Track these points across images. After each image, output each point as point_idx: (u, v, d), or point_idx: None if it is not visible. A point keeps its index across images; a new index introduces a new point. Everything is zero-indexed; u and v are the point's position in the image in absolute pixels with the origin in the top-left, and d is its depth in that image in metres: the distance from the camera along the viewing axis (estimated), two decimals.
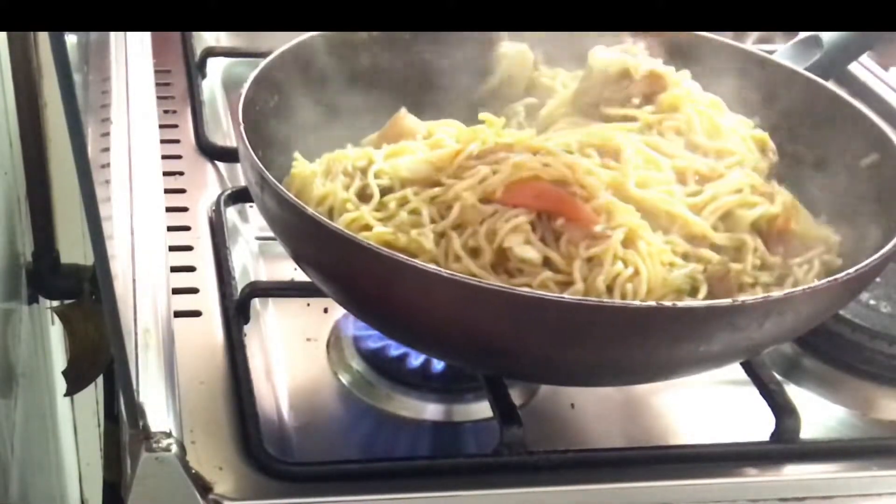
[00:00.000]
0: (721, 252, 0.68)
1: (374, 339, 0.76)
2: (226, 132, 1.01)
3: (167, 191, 0.85)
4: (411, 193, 0.68)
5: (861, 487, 0.69)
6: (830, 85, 0.80)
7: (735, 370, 0.73)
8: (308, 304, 0.80)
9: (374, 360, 0.75)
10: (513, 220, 0.65)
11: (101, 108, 0.93)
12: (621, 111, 0.74)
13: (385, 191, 0.70)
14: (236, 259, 0.82)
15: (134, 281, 0.72)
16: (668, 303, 0.63)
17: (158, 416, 0.61)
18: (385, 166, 0.71)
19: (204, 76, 1.07)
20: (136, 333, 0.67)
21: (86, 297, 1.16)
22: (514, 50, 0.83)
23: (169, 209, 0.83)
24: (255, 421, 0.67)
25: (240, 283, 0.78)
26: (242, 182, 0.85)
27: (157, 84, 0.98)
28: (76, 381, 1.12)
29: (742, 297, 0.61)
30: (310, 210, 0.62)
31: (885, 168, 0.73)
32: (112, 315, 0.56)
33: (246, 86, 0.73)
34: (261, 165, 0.65)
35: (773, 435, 0.70)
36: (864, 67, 1.12)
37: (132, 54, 0.99)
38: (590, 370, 0.65)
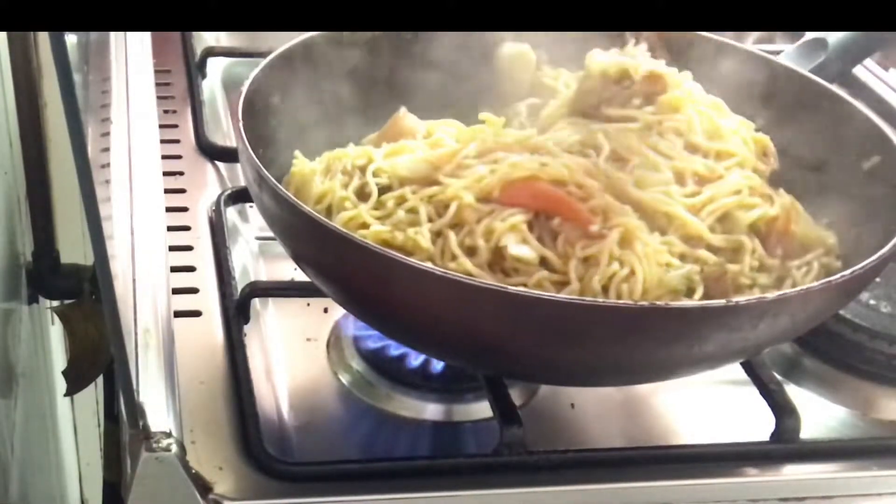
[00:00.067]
0: (719, 253, 0.68)
1: (374, 339, 0.76)
2: (226, 132, 1.01)
3: (167, 191, 0.85)
4: (409, 192, 0.68)
5: (861, 487, 0.69)
6: (832, 87, 0.80)
7: (735, 370, 0.74)
8: (308, 304, 0.80)
9: (374, 360, 0.75)
10: (509, 219, 0.66)
11: (101, 108, 0.93)
12: (621, 112, 0.74)
13: (384, 189, 0.70)
14: (236, 259, 0.82)
15: (134, 281, 0.72)
16: (660, 303, 0.63)
17: (158, 416, 0.61)
18: (384, 165, 0.71)
19: (204, 76, 1.07)
20: (136, 333, 0.67)
21: (86, 297, 1.16)
22: (515, 50, 0.83)
23: (169, 209, 0.83)
24: (255, 421, 0.67)
25: (240, 283, 0.78)
26: (242, 182, 0.85)
27: (157, 84, 0.98)
28: (76, 381, 1.12)
29: (736, 298, 0.61)
30: (306, 208, 0.62)
31: (886, 170, 0.73)
32: (112, 315, 0.56)
33: (246, 84, 0.73)
34: (259, 163, 0.65)
35: (773, 435, 0.70)
36: (864, 68, 1.12)
37: (132, 54, 0.99)
38: (584, 370, 0.65)
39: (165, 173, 0.87)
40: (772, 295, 0.61)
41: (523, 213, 0.66)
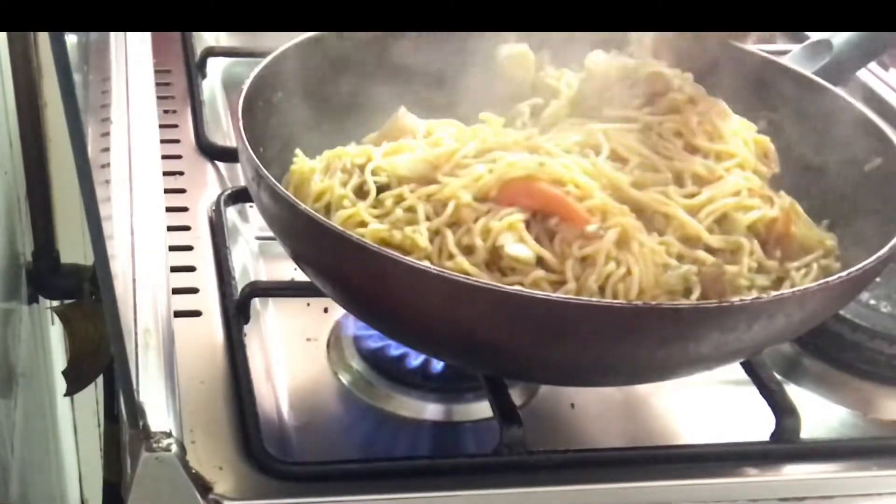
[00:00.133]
0: (717, 255, 0.68)
1: (374, 339, 0.76)
2: (226, 132, 1.01)
3: (167, 191, 0.85)
4: (407, 191, 0.68)
5: (861, 487, 0.69)
6: (835, 88, 0.80)
7: (735, 370, 0.74)
8: (308, 304, 0.80)
9: (374, 360, 0.75)
10: (507, 218, 0.66)
11: (101, 108, 0.93)
12: (622, 112, 0.74)
13: (382, 188, 0.70)
14: (236, 259, 0.82)
15: (134, 281, 0.72)
16: (654, 302, 0.63)
17: (158, 416, 0.61)
18: (383, 163, 0.71)
19: (204, 76, 1.07)
20: (136, 333, 0.67)
21: (86, 297, 1.16)
22: (515, 51, 0.83)
23: (169, 209, 0.83)
24: (255, 421, 0.67)
25: (240, 283, 0.78)
26: (242, 182, 0.85)
27: (157, 84, 0.98)
28: (76, 381, 1.12)
29: (731, 299, 0.61)
30: (304, 207, 0.63)
31: (887, 172, 0.73)
32: (112, 315, 0.56)
33: (247, 83, 0.73)
34: (258, 162, 0.65)
35: (773, 435, 0.70)
36: (864, 68, 1.12)
37: (132, 54, 0.99)
38: (580, 369, 0.65)
39: (165, 173, 0.87)
40: (767, 296, 0.61)
41: (521, 213, 0.66)
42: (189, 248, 0.84)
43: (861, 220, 0.73)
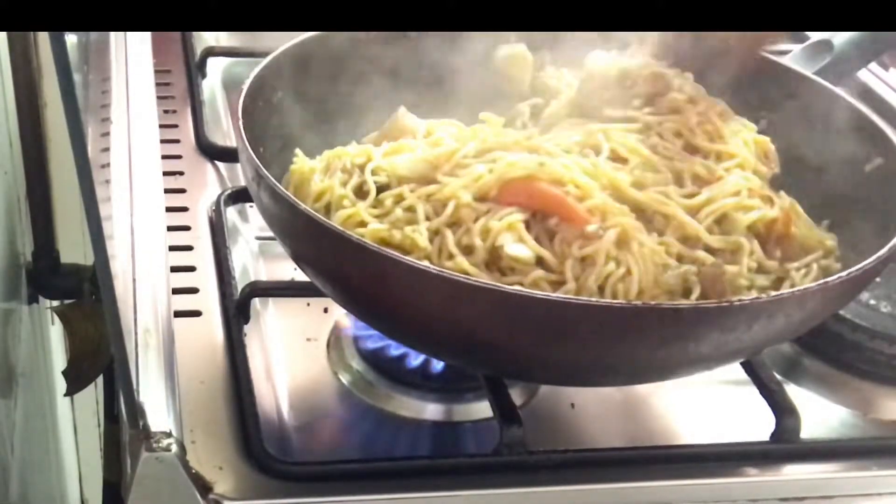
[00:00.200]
0: (717, 255, 0.68)
1: (374, 339, 0.76)
2: (226, 132, 1.01)
3: (167, 191, 0.85)
4: (407, 191, 0.68)
5: (861, 487, 0.69)
6: (836, 89, 0.80)
7: (735, 370, 0.74)
8: (308, 304, 0.80)
9: (374, 360, 0.75)
10: (506, 218, 0.66)
11: (101, 108, 0.92)
12: (622, 113, 0.74)
13: (382, 188, 0.70)
14: (236, 259, 0.82)
15: (134, 281, 0.72)
16: (653, 302, 0.63)
17: (158, 416, 0.61)
18: (383, 163, 0.71)
19: (204, 76, 1.07)
20: (136, 333, 0.67)
21: (86, 297, 1.16)
22: (512, 52, 0.83)
23: (169, 209, 0.83)
24: (255, 421, 0.67)
25: (240, 283, 0.78)
26: (242, 182, 0.85)
27: (157, 84, 0.98)
28: (76, 381, 1.12)
29: (729, 299, 0.60)
30: (304, 206, 0.63)
31: (888, 173, 0.73)
32: (112, 315, 0.56)
33: (247, 82, 0.73)
34: (257, 161, 0.65)
35: (773, 435, 0.70)
36: (864, 68, 1.12)
37: (132, 54, 0.99)
38: (580, 369, 0.65)
39: (165, 173, 0.87)
40: (766, 296, 0.61)
41: (520, 213, 0.66)
42: (189, 248, 0.84)
43: (861, 221, 0.73)
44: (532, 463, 0.66)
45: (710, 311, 0.59)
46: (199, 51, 1.08)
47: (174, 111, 1.01)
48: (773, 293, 0.63)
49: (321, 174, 0.72)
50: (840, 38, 0.88)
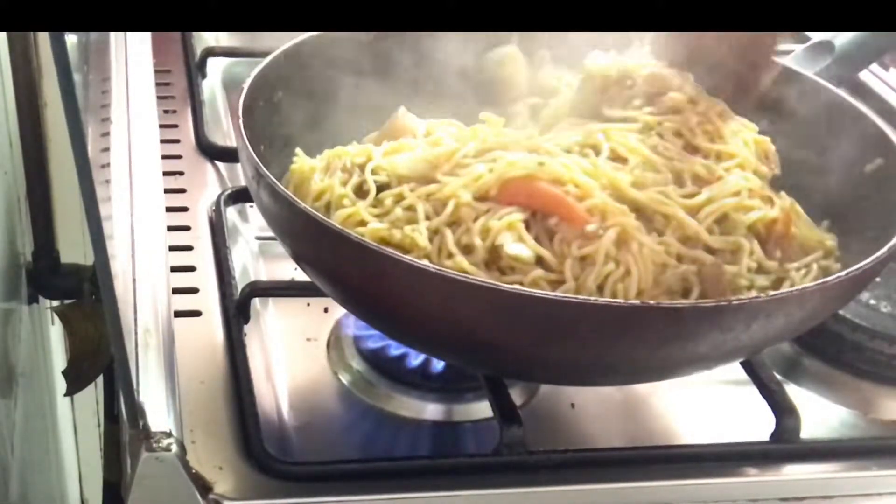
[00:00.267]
0: (717, 255, 0.68)
1: (374, 339, 0.76)
2: (226, 132, 1.01)
3: (167, 191, 0.85)
4: (407, 190, 0.68)
5: (861, 487, 0.69)
6: (837, 90, 0.80)
7: (735, 370, 0.74)
8: (308, 304, 0.80)
9: (374, 360, 0.75)
10: (506, 217, 0.66)
11: (101, 108, 0.93)
12: (622, 113, 0.74)
13: (382, 187, 0.70)
14: (236, 259, 0.82)
15: (134, 281, 0.72)
16: (651, 301, 0.63)
17: (158, 416, 0.61)
18: (383, 163, 0.71)
19: (204, 76, 1.07)
20: (136, 333, 0.67)
21: (86, 297, 1.16)
22: (500, 54, 0.83)
23: (169, 209, 0.83)
24: (255, 421, 0.67)
25: (240, 283, 0.78)
26: (242, 182, 0.85)
27: (157, 84, 0.98)
28: (76, 381, 1.12)
29: (728, 298, 0.60)
30: (303, 205, 0.63)
31: (888, 173, 0.73)
32: (112, 315, 0.56)
33: (248, 81, 0.73)
34: (257, 160, 0.65)
35: (773, 435, 0.70)
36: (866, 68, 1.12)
37: (132, 54, 0.99)
38: (579, 368, 0.65)
39: (165, 173, 0.87)
40: (765, 295, 0.61)
41: (520, 212, 0.66)
42: (189, 248, 0.84)
43: (862, 221, 0.73)
44: (532, 463, 0.66)
45: (709, 311, 0.59)
46: (199, 51, 1.08)
47: (174, 111, 1.01)
48: (772, 293, 0.63)
49: (321, 173, 0.72)
50: (841, 39, 0.88)
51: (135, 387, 0.62)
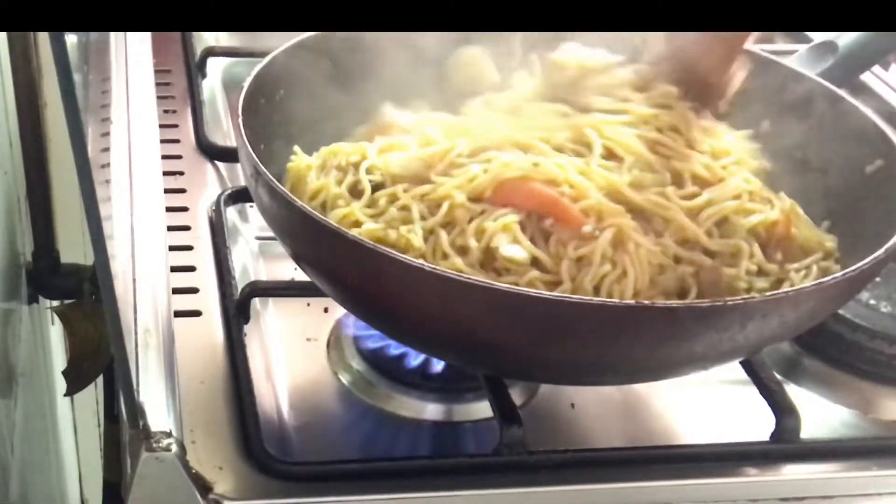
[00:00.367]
0: (716, 257, 0.68)
1: (374, 339, 0.76)
2: (226, 132, 1.01)
3: (167, 191, 0.85)
4: (401, 190, 0.68)
5: (861, 487, 0.69)
6: (837, 90, 0.80)
7: (735, 370, 0.74)
8: (308, 304, 0.80)
9: (374, 359, 0.75)
10: (501, 219, 0.65)
11: (101, 108, 0.93)
12: (610, 104, 0.73)
13: (377, 186, 0.70)
14: (236, 259, 0.82)
15: (134, 281, 0.72)
16: (647, 301, 0.63)
17: (158, 415, 0.61)
18: (378, 162, 0.71)
19: (204, 76, 1.07)
20: (136, 333, 0.67)
21: (86, 297, 1.16)
22: (466, 54, 0.82)
23: (169, 209, 0.83)
24: (255, 421, 0.67)
25: (240, 283, 0.78)
26: (242, 182, 0.85)
27: (157, 84, 0.98)
28: (76, 381, 1.12)
29: (723, 298, 0.60)
30: (300, 203, 0.63)
31: (889, 174, 0.73)
32: (112, 315, 0.56)
33: (248, 80, 0.73)
34: (256, 159, 0.65)
35: (773, 435, 0.70)
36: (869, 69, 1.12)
37: (132, 54, 0.99)
38: (576, 368, 0.65)
39: (165, 173, 0.87)
40: (760, 296, 0.61)
41: (515, 213, 0.66)
42: (189, 248, 0.84)
43: (862, 222, 0.73)
44: (532, 463, 0.66)
45: (704, 311, 0.59)
46: (199, 51, 1.08)
47: (174, 111, 1.01)
48: (768, 293, 0.63)
49: (317, 171, 0.72)
50: (844, 40, 0.88)
51: (135, 387, 0.62)
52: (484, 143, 0.70)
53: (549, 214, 0.66)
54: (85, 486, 1.59)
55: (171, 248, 0.80)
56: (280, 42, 0.78)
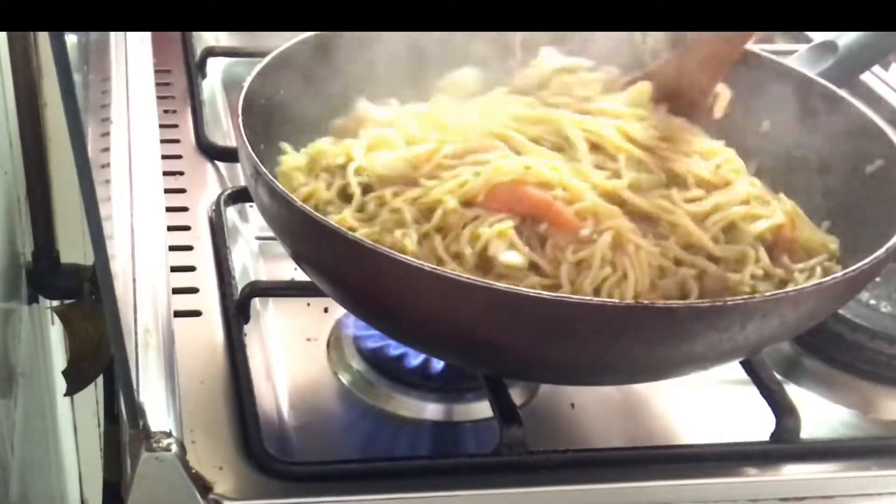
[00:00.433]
0: (721, 262, 0.67)
1: (374, 339, 0.76)
2: (226, 132, 1.01)
3: (167, 191, 0.85)
4: (390, 195, 0.68)
5: (861, 487, 0.69)
6: (837, 90, 0.80)
7: (735, 370, 0.74)
8: (308, 304, 0.80)
9: (374, 359, 0.75)
10: (496, 225, 0.65)
11: (101, 108, 0.93)
12: (597, 106, 0.73)
13: (365, 188, 0.69)
14: (236, 259, 0.82)
15: (134, 281, 0.72)
16: (647, 301, 0.63)
17: (158, 416, 0.61)
18: (364, 163, 0.70)
19: (204, 76, 1.07)
20: (136, 333, 0.67)
21: (86, 297, 1.16)
22: (452, 80, 0.81)
23: (169, 209, 0.83)
24: (255, 421, 0.67)
25: (240, 283, 0.78)
26: (242, 182, 0.85)
27: (157, 84, 0.98)
28: (76, 381, 1.12)
29: (723, 298, 0.60)
30: (299, 203, 0.62)
31: (889, 174, 0.73)
32: (112, 315, 0.56)
33: (248, 80, 0.73)
34: (256, 159, 0.65)
35: (773, 435, 0.70)
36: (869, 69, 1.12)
37: (132, 54, 0.99)
38: (575, 368, 0.65)
39: (165, 173, 0.87)
40: (760, 296, 0.61)
41: (510, 219, 0.65)
42: (189, 248, 0.84)
43: (862, 222, 0.73)
44: (532, 463, 0.66)
45: (704, 311, 0.59)
46: (199, 51, 1.08)
47: (174, 111, 1.01)
48: (768, 293, 0.62)
49: (305, 172, 0.72)
50: (844, 40, 0.88)
51: (135, 387, 0.62)
52: (469, 143, 0.69)
53: (542, 218, 0.66)
54: (85, 486, 1.59)
55: (171, 248, 0.80)
56: (280, 42, 0.78)
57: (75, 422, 1.57)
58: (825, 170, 0.77)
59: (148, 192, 0.81)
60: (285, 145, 0.74)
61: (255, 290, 0.77)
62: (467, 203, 0.66)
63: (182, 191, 0.91)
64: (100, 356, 1.08)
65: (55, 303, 1.24)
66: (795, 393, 0.75)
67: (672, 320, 0.59)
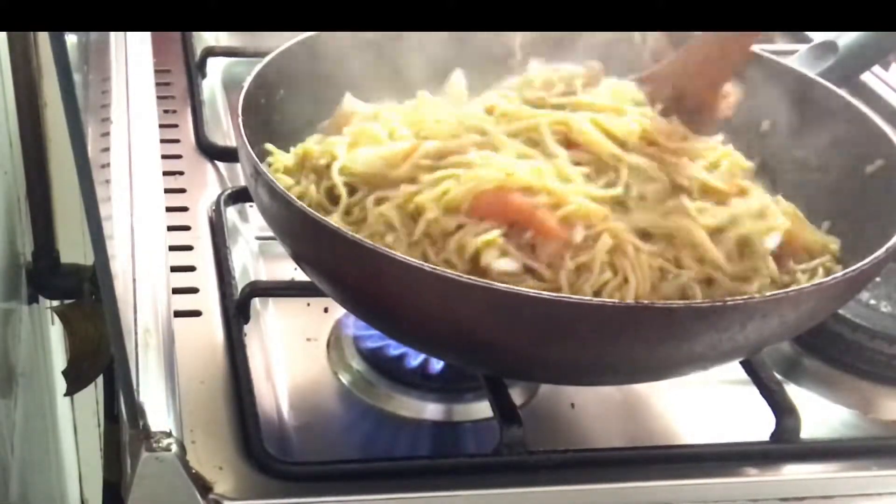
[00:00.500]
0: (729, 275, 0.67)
1: (374, 339, 0.76)
2: (226, 132, 1.01)
3: (167, 191, 0.85)
4: (372, 201, 0.67)
5: (861, 487, 0.69)
6: (837, 90, 0.80)
7: (735, 370, 0.74)
8: (308, 304, 0.80)
9: (374, 359, 0.75)
10: (483, 235, 0.64)
11: (101, 108, 0.93)
12: (581, 100, 0.72)
13: (351, 189, 0.69)
14: (236, 259, 0.82)
15: (134, 281, 0.72)
16: (646, 301, 0.62)
17: (158, 415, 0.61)
18: (347, 161, 0.70)
19: (204, 76, 1.07)
20: (136, 333, 0.67)
21: (86, 297, 1.16)
22: (456, 82, 0.81)
23: (169, 209, 0.83)
24: (255, 421, 0.67)
25: (240, 283, 0.78)
26: (242, 182, 0.85)
27: (157, 84, 0.98)
28: (76, 381, 1.12)
29: (723, 298, 0.60)
30: (299, 203, 0.62)
31: (889, 174, 0.73)
32: (112, 315, 0.56)
33: (248, 79, 0.73)
34: (256, 159, 0.65)
35: (773, 435, 0.70)
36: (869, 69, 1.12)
37: (132, 54, 0.99)
38: (575, 368, 0.65)
39: (165, 173, 0.87)
40: (760, 296, 0.61)
41: (496, 227, 0.64)
42: (189, 248, 0.84)
43: (862, 222, 0.73)
44: (532, 463, 0.66)
45: (703, 311, 0.59)
46: (199, 51, 1.08)
47: (174, 111, 1.01)
48: (768, 293, 0.62)
49: (294, 172, 0.72)
50: (845, 40, 0.88)
51: (135, 387, 0.62)
52: (447, 142, 0.69)
53: (527, 227, 0.64)
54: (85, 486, 1.59)
55: (171, 248, 0.80)
56: (280, 42, 0.78)
57: (75, 422, 1.57)
58: (825, 170, 0.77)
59: (148, 192, 0.81)
60: (270, 146, 0.74)
61: (255, 290, 0.77)
62: (451, 210, 0.65)
63: (182, 191, 0.91)
64: (100, 356, 1.08)
65: (55, 303, 1.24)
66: (795, 393, 0.75)
67: (672, 320, 0.59)
